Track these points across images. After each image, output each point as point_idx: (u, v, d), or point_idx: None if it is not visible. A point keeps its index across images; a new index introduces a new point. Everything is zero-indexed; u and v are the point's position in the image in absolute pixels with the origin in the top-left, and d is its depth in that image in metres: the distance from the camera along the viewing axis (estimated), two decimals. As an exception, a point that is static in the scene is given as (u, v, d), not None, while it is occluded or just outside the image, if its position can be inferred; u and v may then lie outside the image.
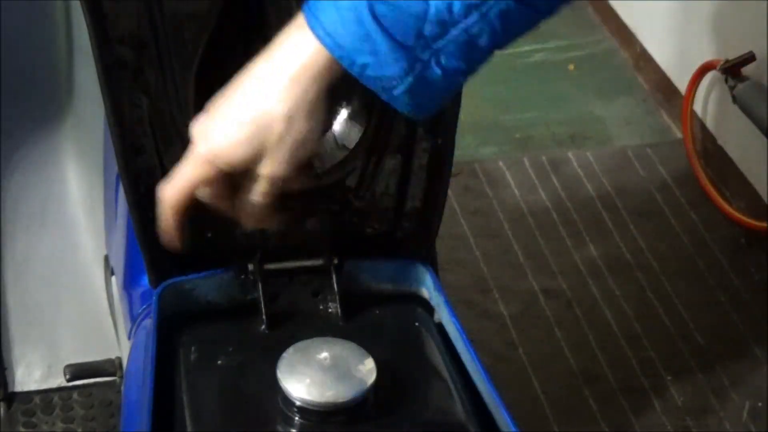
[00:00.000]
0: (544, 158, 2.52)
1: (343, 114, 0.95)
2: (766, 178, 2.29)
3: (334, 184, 0.96)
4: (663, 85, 2.68)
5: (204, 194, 0.84)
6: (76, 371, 1.41)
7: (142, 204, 0.93)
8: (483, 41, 0.76)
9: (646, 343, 2.16)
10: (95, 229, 1.70)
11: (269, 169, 0.81)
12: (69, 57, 1.69)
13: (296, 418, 0.83)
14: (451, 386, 0.89)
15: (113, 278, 1.32)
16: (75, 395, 1.67)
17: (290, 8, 0.90)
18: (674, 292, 2.26)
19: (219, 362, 0.90)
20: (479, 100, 2.66)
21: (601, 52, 2.91)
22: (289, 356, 0.84)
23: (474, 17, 0.74)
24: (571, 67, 2.87)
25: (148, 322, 0.96)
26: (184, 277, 0.94)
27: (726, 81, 2.30)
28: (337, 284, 0.95)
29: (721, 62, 2.32)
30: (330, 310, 0.96)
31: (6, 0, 1.66)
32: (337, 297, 0.95)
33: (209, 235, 0.96)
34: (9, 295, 1.76)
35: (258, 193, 0.83)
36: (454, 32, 0.75)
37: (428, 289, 0.98)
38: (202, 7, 0.88)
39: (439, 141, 0.96)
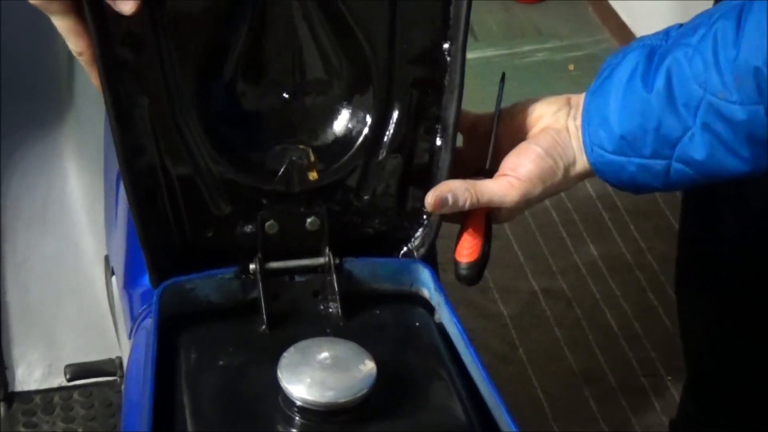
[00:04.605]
0: (544, 158, 2.52)
1: (344, 114, 0.96)
2: (766, 178, 2.28)
3: (334, 183, 0.96)
4: (663, 85, 2.67)
5: None
6: (77, 371, 1.41)
7: (143, 204, 0.93)
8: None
9: (646, 343, 2.16)
10: (95, 229, 1.70)
11: None
12: (69, 57, 1.69)
13: (297, 418, 0.83)
14: (452, 386, 0.89)
15: (113, 278, 1.31)
16: (75, 395, 1.67)
17: (290, 7, 0.90)
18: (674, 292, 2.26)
19: (219, 362, 0.90)
20: (479, 100, 2.65)
21: (601, 52, 2.91)
22: (289, 356, 0.84)
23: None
24: (571, 67, 2.86)
25: (149, 322, 0.96)
26: (184, 277, 0.94)
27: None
28: (338, 284, 0.95)
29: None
30: (330, 310, 0.95)
31: (6, 0, 1.66)
32: (338, 297, 0.95)
33: (209, 234, 0.96)
34: (9, 295, 1.76)
35: None
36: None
37: (428, 289, 0.98)
38: (202, 7, 0.88)
39: (440, 141, 0.96)
